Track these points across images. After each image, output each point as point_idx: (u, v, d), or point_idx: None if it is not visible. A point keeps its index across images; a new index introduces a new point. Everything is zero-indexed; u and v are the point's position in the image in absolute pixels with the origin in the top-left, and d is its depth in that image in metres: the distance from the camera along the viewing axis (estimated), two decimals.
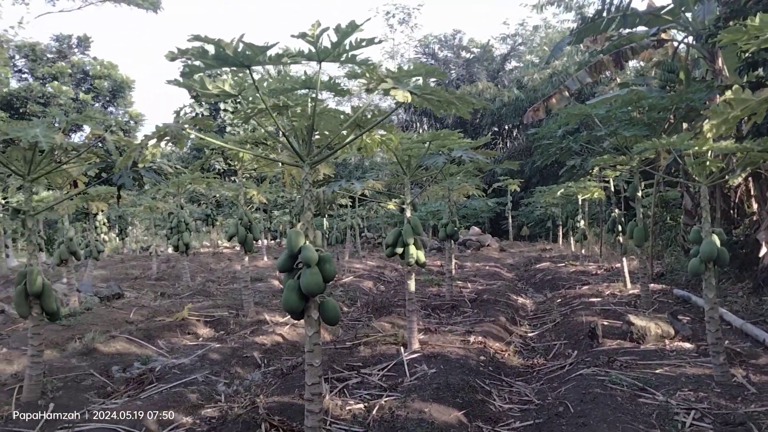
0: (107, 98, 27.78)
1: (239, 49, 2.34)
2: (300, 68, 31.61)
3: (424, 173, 6.68)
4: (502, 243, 21.55)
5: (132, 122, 27.79)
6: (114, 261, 18.91)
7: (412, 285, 5.53)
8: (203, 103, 28.84)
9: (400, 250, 5.42)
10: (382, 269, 14.08)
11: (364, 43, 2.60)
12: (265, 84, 3.02)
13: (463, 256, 17.28)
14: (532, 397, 4.42)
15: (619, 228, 8.85)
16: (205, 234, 27.12)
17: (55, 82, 25.76)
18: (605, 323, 5.97)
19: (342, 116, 3.12)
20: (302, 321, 3.07)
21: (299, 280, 2.92)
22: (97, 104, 27.29)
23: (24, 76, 27.24)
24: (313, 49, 2.57)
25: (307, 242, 2.96)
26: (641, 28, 9.87)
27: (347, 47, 2.60)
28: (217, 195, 21.01)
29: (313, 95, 2.99)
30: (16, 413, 4.38)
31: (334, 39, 2.54)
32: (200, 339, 6.60)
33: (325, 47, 2.57)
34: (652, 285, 7.99)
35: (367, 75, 2.82)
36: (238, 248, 23.20)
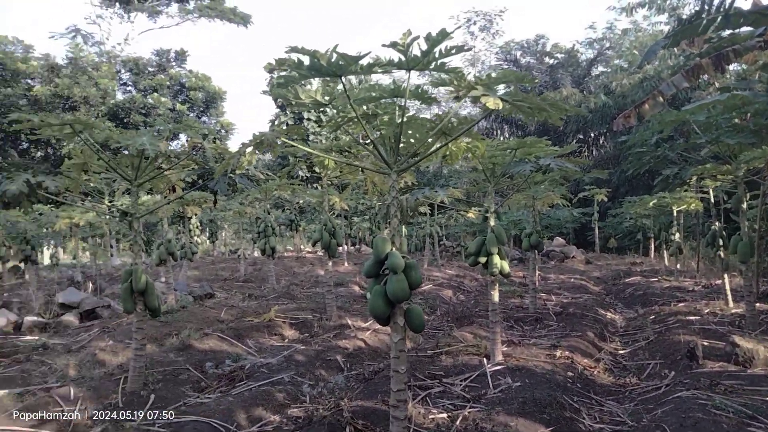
0: (201, 108, 29.50)
1: (332, 59, 2.41)
2: (379, 77, 32.04)
3: (508, 181, 6.55)
4: (588, 255, 20.69)
5: (223, 131, 29.31)
6: (205, 262, 19.98)
7: (495, 295, 5.42)
8: (288, 112, 29.96)
9: (483, 259, 5.33)
10: (461, 278, 13.94)
11: (453, 51, 2.60)
12: (353, 93, 3.09)
13: (546, 268, 16.76)
14: (625, 418, 4.19)
15: (720, 242, 8.24)
16: (288, 238, 28.05)
17: (155, 94, 27.69)
18: (705, 343, 5.57)
19: (429, 124, 3.13)
20: (386, 327, 3.09)
21: (385, 286, 2.95)
22: (191, 114, 29.04)
23: (128, 88, 29.51)
24: (403, 58, 2.60)
25: (394, 249, 2.98)
26: (746, 29, 9.16)
27: (437, 55, 2.61)
28: (301, 201, 21.70)
29: (401, 103, 3.02)
30: (121, 401, 4.73)
31: (424, 47, 2.55)
32: (286, 340, 6.82)
33: (415, 56, 2.59)
34: (758, 304, 7.37)
35: (455, 83, 2.81)
36: (320, 253, 23.72)
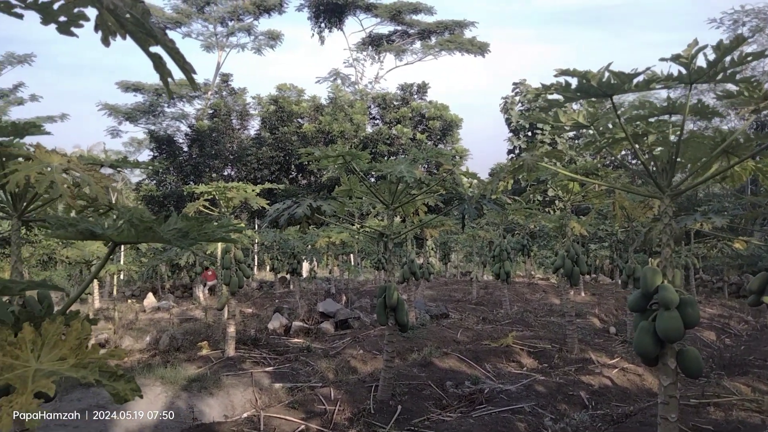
0: (438, 136, 31.10)
1: (603, 79, 2.30)
2: (626, 97, 29.71)
3: None
4: None
5: (458, 157, 30.39)
6: (438, 283, 20.78)
7: None
8: (521, 136, 29.78)
9: None
10: (725, 319, 11.98)
11: (749, 59, 2.27)
12: (618, 112, 2.91)
13: None
14: None
15: None
16: (519, 264, 27.58)
17: (399, 125, 30.09)
18: None
19: (709, 142, 2.77)
20: (651, 367, 2.79)
21: (654, 322, 2.67)
22: (429, 142, 30.80)
23: (376, 121, 32.64)
24: (684, 71, 2.36)
25: (665, 282, 2.69)
26: None
27: (726, 65, 2.31)
28: (533, 226, 21.16)
29: (673, 120, 2.74)
30: (372, 407, 5.14)
31: (712, 57, 2.28)
32: (524, 368, 6.66)
33: (699, 68, 2.33)
34: None
35: (747, 93, 2.45)
36: (553, 281, 22.73)
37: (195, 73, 1.25)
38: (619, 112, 2.94)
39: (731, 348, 8.75)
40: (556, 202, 26.28)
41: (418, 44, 35.94)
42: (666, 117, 2.83)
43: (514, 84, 30.44)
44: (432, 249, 20.29)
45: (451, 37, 30.55)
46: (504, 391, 5.60)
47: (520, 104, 30.04)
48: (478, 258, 20.68)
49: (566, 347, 7.18)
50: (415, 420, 4.89)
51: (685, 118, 2.57)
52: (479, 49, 29.42)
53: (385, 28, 36.73)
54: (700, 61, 2.33)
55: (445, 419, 4.95)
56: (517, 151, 29.78)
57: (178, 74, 1.35)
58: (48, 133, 3.00)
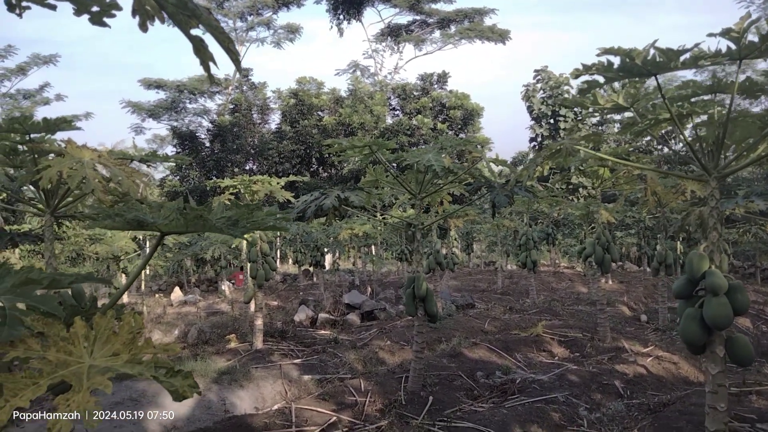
0: (459, 126, 30.82)
1: (648, 57, 2.20)
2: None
3: None
4: None
5: (479, 146, 30.11)
6: (462, 273, 20.67)
7: None
8: (543, 123, 29.35)
9: None
10: (760, 305, 11.69)
11: None
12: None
13: None
14: None
15: None
16: (544, 252, 27.30)
17: (419, 116, 29.90)
18: None
19: (760, 122, 2.65)
20: (697, 355, 2.70)
21: (701, 309, 2.58)
22: (450, 132, 30.55)
23: (396, 112, 32.48)
24: (734, 47, 2.25)
25: (713, 267, 2.59)
26: None
27: None
28: (556, 214, 20.87)
29: (719, 99, 2.63)
30: (403, 399, 5.11)
31: (765, 31, 2.17)
32: (556, 358, 6.57)
33: (750, 42, 2.22)
34: None
35: None
36: (579, 269, 22.40)
37: (240, 57, 1.20)
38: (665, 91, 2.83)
39: (766, 334, 8.53)
40: (580, 189, 25.88)
41: (437, 33, 35.61)
42: (710, 96, 2.72)
43: (536, 71, 29.96)
44: (455, 239, 20.15)
45: (471, 25, 30.13)
46: (536, 380, 5.52)
47: (542, 91, 29.56)
48: (502, 247, 20.52)
49: (598, 336, 7.06)
50: (447, 411, 4.84)
51: (733, 96, 2.46)
52: (500, 36, 29.00)
53: (404, 18, 36.45)
54: (752, 36, 2.22)
55: (477, 410, 4.89)
56: (539, 139, 29.35)
57: (216, 61, 1.30)
58: (79, 129, 3.00)
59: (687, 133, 2.66)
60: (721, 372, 2.61)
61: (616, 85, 2.80)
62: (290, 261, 25.87)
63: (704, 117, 2.64)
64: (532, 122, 30.02)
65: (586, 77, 2.38)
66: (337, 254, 20.04)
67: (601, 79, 2.45)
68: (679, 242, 14.60)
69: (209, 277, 21.32)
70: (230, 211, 1.23)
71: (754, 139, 2.53)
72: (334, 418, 4.78)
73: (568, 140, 2.81)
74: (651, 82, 2.58)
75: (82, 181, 2.67)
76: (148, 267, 23.06)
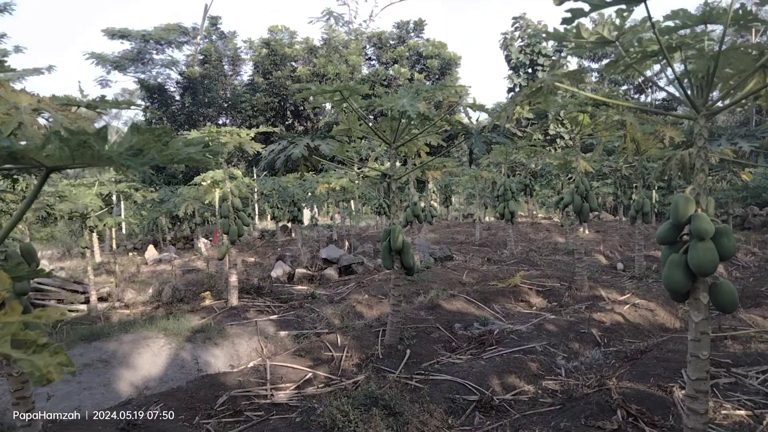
0: (436, 76, 30.21)
1: None
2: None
3: None
4: None
5: (457, 96, 29.66)
6: (441, 226, 20.68)
7: None
8: (521, 73, 28.93)
9: None
10: None
11: None
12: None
13: None
14: None
15: None
16: (521, 204, 27.44)
17: (396, 66, 29.20)
18: None
19: (753, 56, 2.47)
20: (680, 303, 2.60)
21: (686, 255, 2.46)
22: (428, 82, 29.95)
23: (372, 62, 31.65)
24: None
25: (699, 210, 2.46)
26: None
27: None
28: (534, 165, 20.84)
29: (711, 30, 2.43)
30: (381, 353, 5.04)
31: None
32: (533, 308, 6.55)
33: None
34: None
35: None
36: (556, 219, 22.54)
37: None
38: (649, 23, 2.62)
39: (741, 280, 8.66)
40: (557, 140, 25.80)
41: None
42: (701, 28, 2.52)
43: (514, 18, 29.28)
44: (433, 192, 20.03)
45: None
46: (514, 331, 5.49)
47: (520, 40, 28.99)
48: (480, 199, 20.50)
49: (575, 285, 7.06)
50: (425, 363, 4.78)
51: (726, 26, 2.27)
52: None
53: None
54: None
55: (455, 362, 4.85)
56: (517, 89, 29.00)
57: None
58: (12, 70, 2.69)
59: (675, 68, 2.47)
60: (704, 319, 2.52)
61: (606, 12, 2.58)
62: (268, 217, 25.58)
63: (694, 52, 2.45)
64: (510, 72, 29.57)
65: (570, 4, 2.16)
66: (315, 209, 19.80)
67: (586, 7, 2.23)
68: (654, 191, 14.68)
69: (185, 234, 20.98)
70: (134, 137, 1.01)
71: (747, 73, 2.36)
72: (310, 374, 4.69)
73: (549, 77, 2.60)
74: (637, 15, 2.37)
75: (18, 128, 2.40)
76: (121, 225, 22.55)
